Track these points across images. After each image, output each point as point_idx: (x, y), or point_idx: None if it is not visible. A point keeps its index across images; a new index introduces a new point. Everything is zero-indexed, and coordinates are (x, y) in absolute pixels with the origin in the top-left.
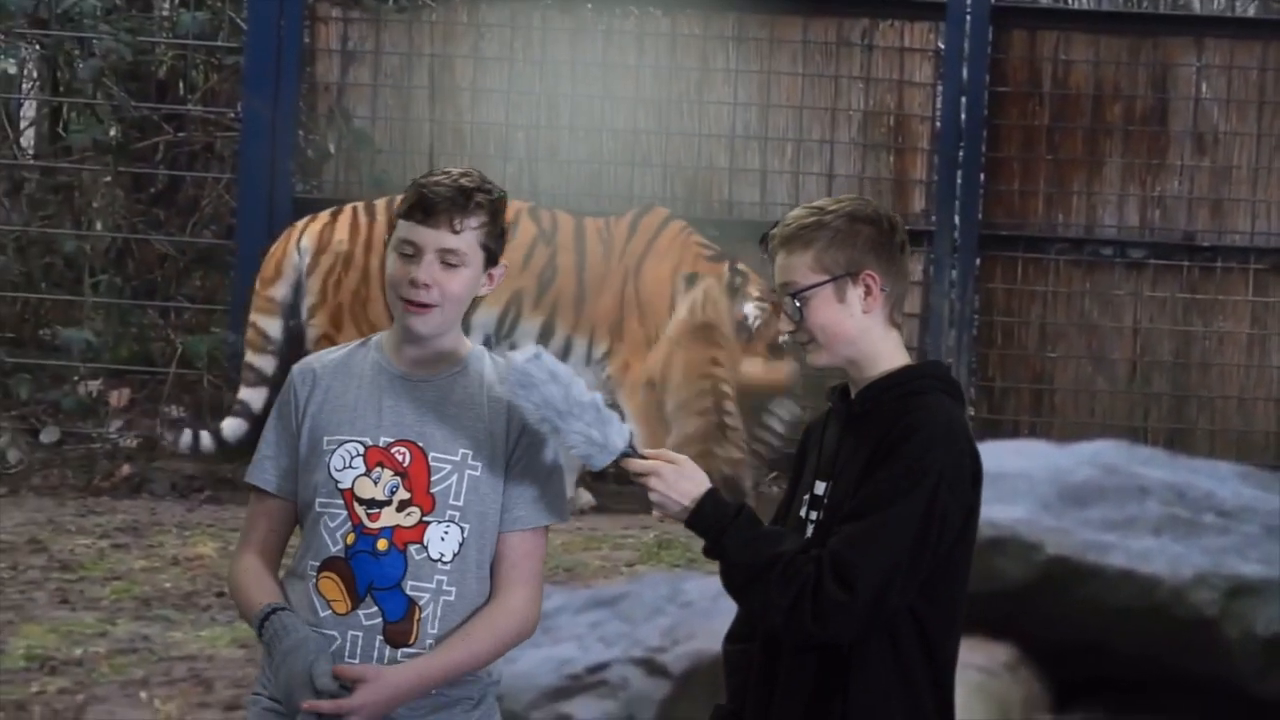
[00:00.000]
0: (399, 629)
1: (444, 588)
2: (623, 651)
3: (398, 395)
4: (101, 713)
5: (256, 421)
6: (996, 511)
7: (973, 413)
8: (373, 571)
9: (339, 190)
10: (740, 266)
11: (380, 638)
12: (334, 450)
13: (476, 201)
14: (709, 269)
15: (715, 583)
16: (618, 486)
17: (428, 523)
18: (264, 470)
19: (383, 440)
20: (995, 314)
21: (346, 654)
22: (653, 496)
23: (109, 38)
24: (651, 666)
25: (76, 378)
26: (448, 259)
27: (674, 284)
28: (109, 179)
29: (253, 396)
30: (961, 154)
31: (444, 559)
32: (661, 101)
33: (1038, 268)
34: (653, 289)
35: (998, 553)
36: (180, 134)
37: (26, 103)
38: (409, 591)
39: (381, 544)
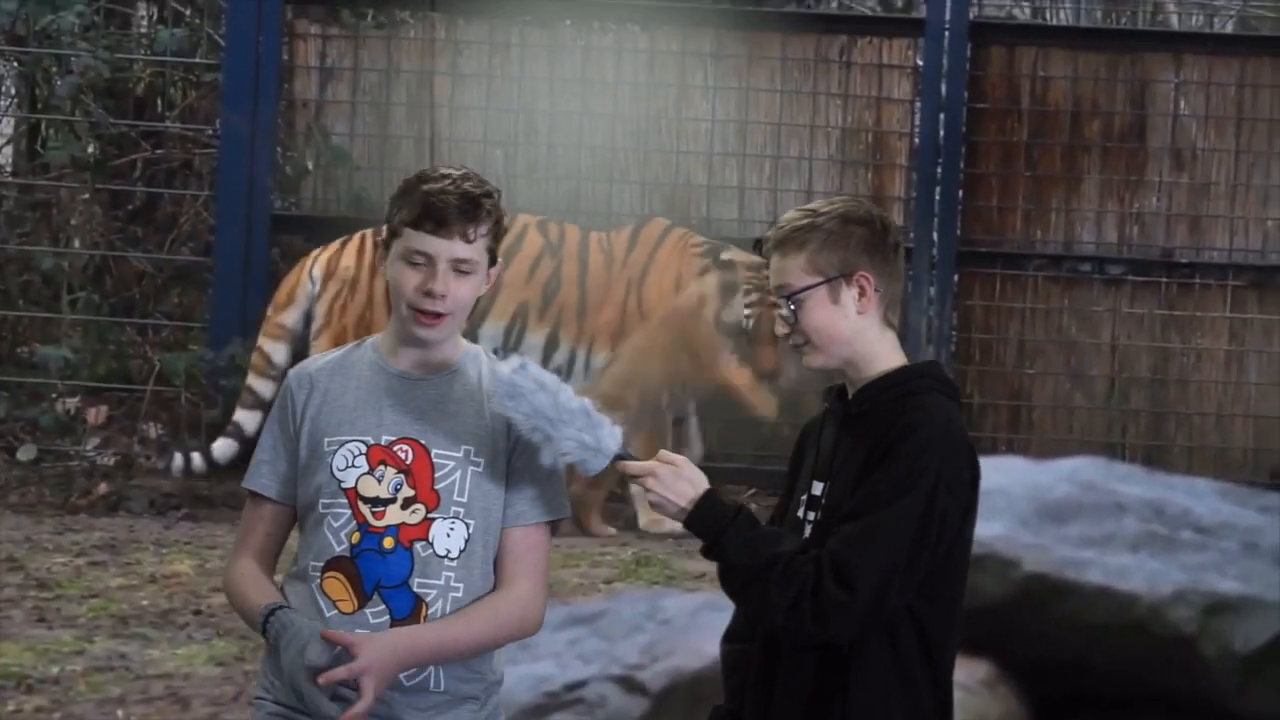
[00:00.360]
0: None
1: (451, 584)
2: (601, 669)
3: (397, 394)
4: None
5: (249, 444)
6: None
7: None
8: (380, 570)
9: (317, 207)
10: (731, 258)
11: None
12: (335, 450)
13: (485, 209)
14: (707, 276)
15: (694, 600)
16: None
17: (433, 519)
18: (261, 475)
19: (384, 439)
20: (973, 330)
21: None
22: (650, 498)
23: (87, 55)
24: (630, 684)
25: (54, 395)
26: (460, 267)
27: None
28: (87, 196)
29: (247, 419)
30: (940, 170)
31: (450, 555)
32: (640, 118)
33: (1016, 284)
34: (656, 301)
35: (976, 569)
36: (158, 151)
37: (4, 120)
38: (416, 589)
39: (388, 542)
